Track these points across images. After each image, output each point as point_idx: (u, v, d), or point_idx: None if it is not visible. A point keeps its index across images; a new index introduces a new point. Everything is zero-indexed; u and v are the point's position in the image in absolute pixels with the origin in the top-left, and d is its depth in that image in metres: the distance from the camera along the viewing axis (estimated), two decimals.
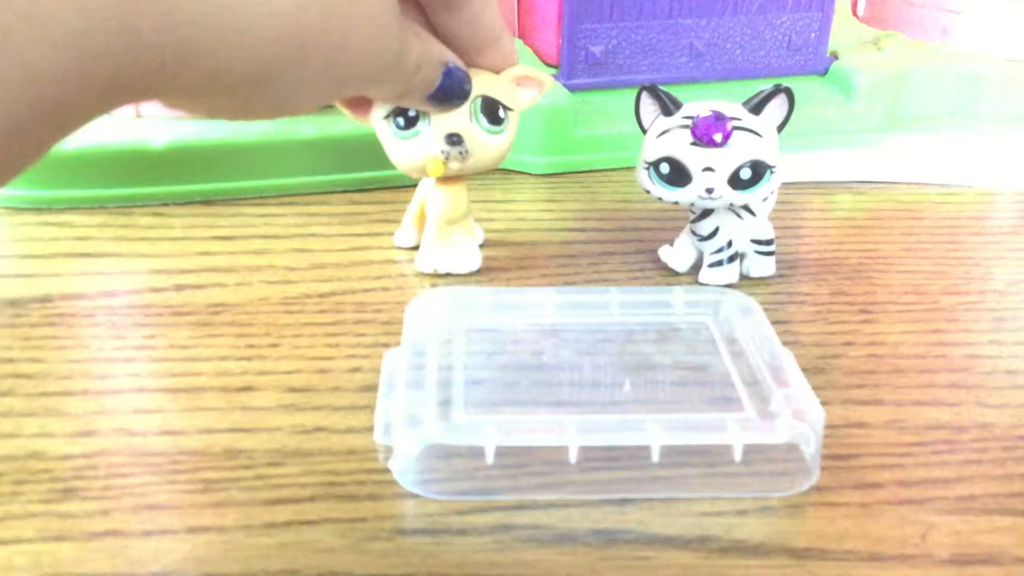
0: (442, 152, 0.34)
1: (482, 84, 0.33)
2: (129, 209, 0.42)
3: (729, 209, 0.36)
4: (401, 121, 0.34)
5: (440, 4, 0.30)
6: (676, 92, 0.35)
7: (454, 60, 0.30)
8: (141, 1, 0.18)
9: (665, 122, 0.34)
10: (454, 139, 0.33)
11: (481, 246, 0.39)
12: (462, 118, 0.33)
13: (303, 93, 0.23)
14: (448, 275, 0.37)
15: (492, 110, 0.34)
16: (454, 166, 0.34)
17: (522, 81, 0.35)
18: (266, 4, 0.20)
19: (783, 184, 0.40)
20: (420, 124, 0.34)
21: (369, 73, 0.25)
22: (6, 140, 0.17)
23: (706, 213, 0.36)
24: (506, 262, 0.39)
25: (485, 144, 0.34)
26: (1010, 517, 0.26)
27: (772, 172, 0.34)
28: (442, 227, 0.37)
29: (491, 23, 0.32)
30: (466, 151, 0.34)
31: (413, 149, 0.34)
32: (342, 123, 0.42)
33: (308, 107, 0.25)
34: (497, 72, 0.34)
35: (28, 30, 0.16)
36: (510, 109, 0.34)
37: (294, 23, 0.21)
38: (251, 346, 0.33)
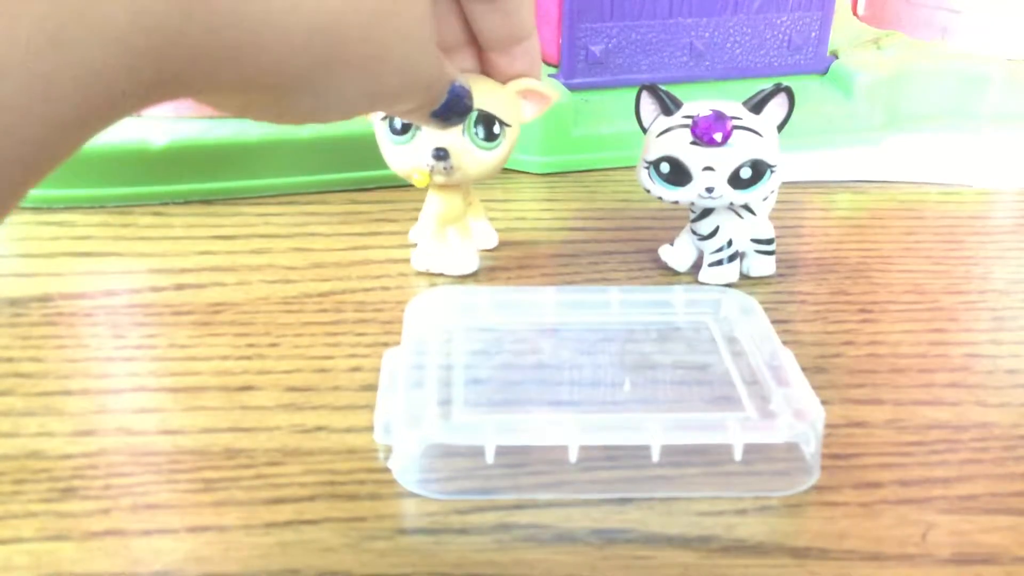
0: (427, 165, 0.34)
1: (482, 97, 0.32)
2: (129, 208, 0.42)
3: (729, 208, 0.36)
4: (397, 125, 0.34)
5: None
6: (676, 91, 0.35)
7: (461, 79, 0.30)
8: (186, 5, 0.18)
9: (665, 121, 0.34)
10: (440, 154, 0.33)
11: (493, 250, 0.39)
12: (454, 132, 0.33)
13: (336, 102, 0.24)
14: (444, 275, 0.37)
15: (488, 125, 0.33)
16: (438, 179, 0.34)
17: (527, 95, 0.34)
18: (309, 11, 0.21)
19: (783, 183, 0.40)
20: (414, 129, 0.33)
21: (399, 89, 0.26)
22: (54, 134, 0.18)
23: (706, 212, 0.36)
24: (506, 261, 0.39)
25: (475, 159, 0.34)
26: (1010, 516, 0.26)
27: (772, 171, 0.34)
28: (438, 227, 0.37)
29: (525, 18, 0.31)
30: (451, 166, 0.33)
31: (402, 156, 0.34)
32: (341, 123, 0.42)
33: (339, 116, 0.25)
34: (508, 80, 0.33)
35: (80, 28, 0.17)
36: (507, 125, 0.34)
37: (336, 33, 0.21)
38: (251, 345, 0.33)
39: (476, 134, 0.33)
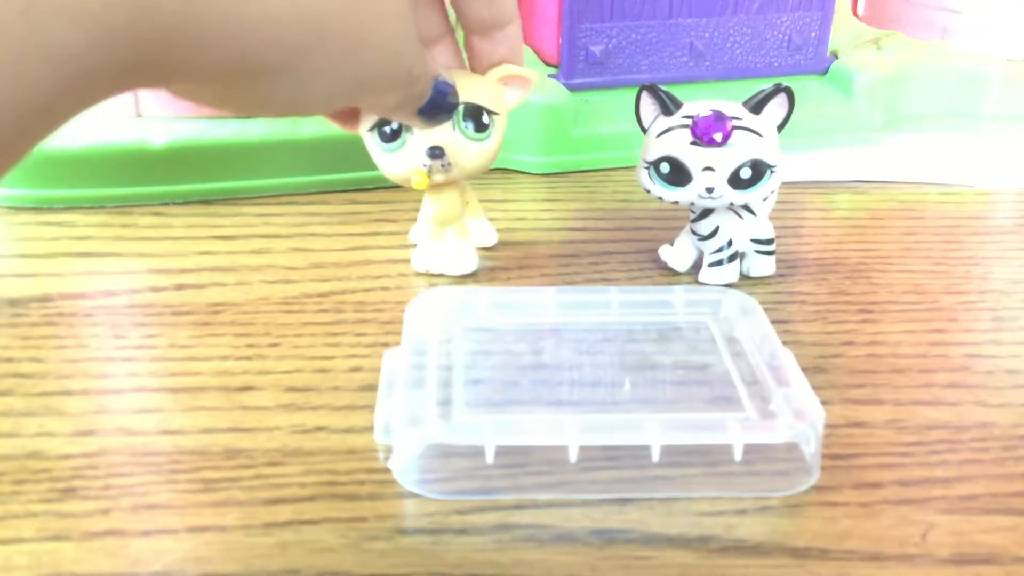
0: (424, 165, 0.33)
1: (466, 89, 0.32)
2: (129, 209, 0.42)
3: (729, 208, 0.36)
4: (386, 131, 0.34)
5: None
6: (676, 91, 0.35)
7: (445, 75, 0.30)
8: None
9: (665, 121, 0.34)
10: (436, 152, 0.33)
11: (492, 248, 0.39)
12: (445, 129, 0.33)
13: (316, 89, 0.23)
14: (444, 275, 0.37)
15: (476, 117, 0.33)
16: (438, 178, 0.34)
17: (509, 80, 0.34)
18: None
19: (783, 184, 0.40)
20: (404, 135, 0.33)
21: (380, 78, 0.25)
22: (25, 115, 0.17)
23: (706, 212, 0.36)
24: (506, 262, 0.39)
25: (470, 152, 0.34)
26: (1010, 517, 0.26)
27: (772, 171, 0.34)
28: (436, 228, 0.37)
29: (508, 4, 0.31)
30: (448, 163, 0.33)
31: (397, 162, 0.34)
32: None
33: (319, 106, 0.25)
34: (490, 67, 0.33)
35: (49, 4, 0.17)
36: (495, 113, 0.34)
37: (316, 15, 0.21)
38: (251, 346, 0.33)
39: (466, 127, 0.33)
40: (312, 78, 0.23)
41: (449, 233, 0.37)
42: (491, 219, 0.40)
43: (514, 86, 0.34)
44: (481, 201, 0.40)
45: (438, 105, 0.29)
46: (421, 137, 0.33)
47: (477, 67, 0.34)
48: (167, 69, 0.20)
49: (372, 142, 0.34)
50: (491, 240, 0.39)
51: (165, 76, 0.20)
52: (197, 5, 0.19)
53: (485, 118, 0.33)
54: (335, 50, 0.22)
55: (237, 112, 0.24)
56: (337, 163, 0.44)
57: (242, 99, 0.23)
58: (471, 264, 0.37)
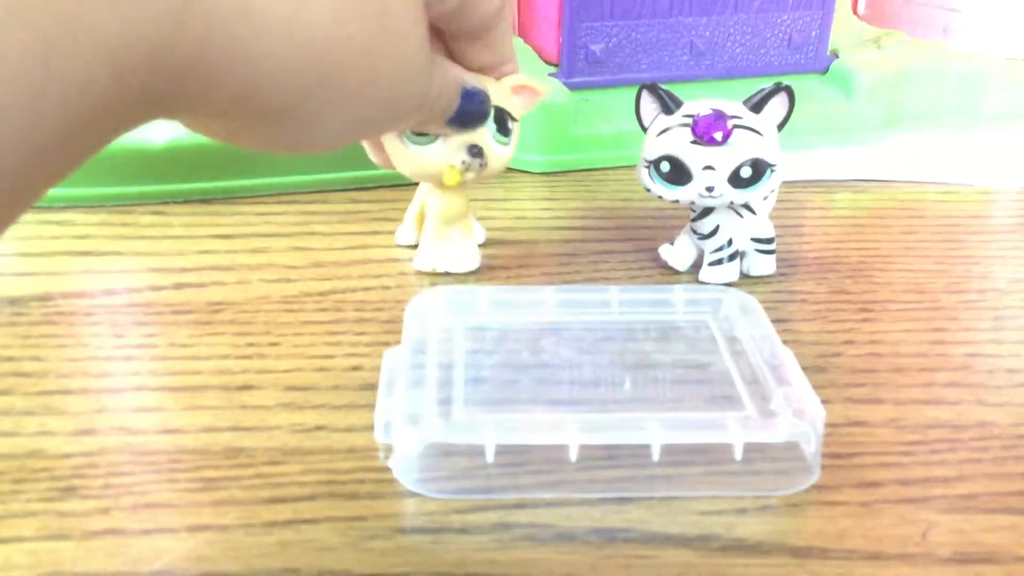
0: (462, 163, 0.34)
1: (491, 94, 0.32)
2: (129, 208, 0.42)
3: (729, 207, 0.36)
4: None
5: (466, 36, 0.30)
6: (676, 90, 0.35)
7: (473, 81, 0.30)
8: (180, 18, 0.18)
9: (665, 120, 0.34)
10: (475, 151, 0.33)
11: (481, 245, 0.39)
12: (480, 130, 0.33)
13: (327, 127, 0.23)
14: (447, 274, 0.37)
15: (502, 121, 0.34)
16: (469, 176, 0.34)
17: (519, 90, 0.34)
18: (300, 34, 0.20)
19: (783, 182, 0.40)
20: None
21: (395, 111, 0.25)
22: (48, 150, 0.17)
23: (706, 211, 0.36)
24: (506, 261, 0.39)
25: (496, 154, 0.34)
26: (1010, 516, 0.26)
27: (772, 170, 0.34)
28: (440, 227, 0.37)
29: (507, 46, 0.32)
30: (485, 163, 0.34)
31: (429, 157, 0.34)
32: None
33: (332, 143, 0.25)
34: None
35: (71, 42, 0.16)
36: (515, 120, 0.34)
37: (325, 56, 0.21)
38: (251, 345, 0.33)
39: (494, 131, 0.34)
40: (319, 118, 0.23)
41: (454, 232, 0.37)
42: (492, 218, 0.40)
43: (523, 96, 0.35)
44: (482, 200, 0.40)
45: (469, 113, 0.29)
46: (457, 135, 0.33)
47: None
48: (178, 105, 0.20)
49: (394, 139, 0.34)
50: (480, 237, 0.39)
51: (175, 111, 0.20)
52: (210, 48, 0.19)
53: (509, 123, 0.34)
54: (341, 93, 0.22)
55: (247, 147, 0.24)
56: (337, 162, 0.44)
57: (250, 137, 0.23)
58: (475, 261, 0.37)
